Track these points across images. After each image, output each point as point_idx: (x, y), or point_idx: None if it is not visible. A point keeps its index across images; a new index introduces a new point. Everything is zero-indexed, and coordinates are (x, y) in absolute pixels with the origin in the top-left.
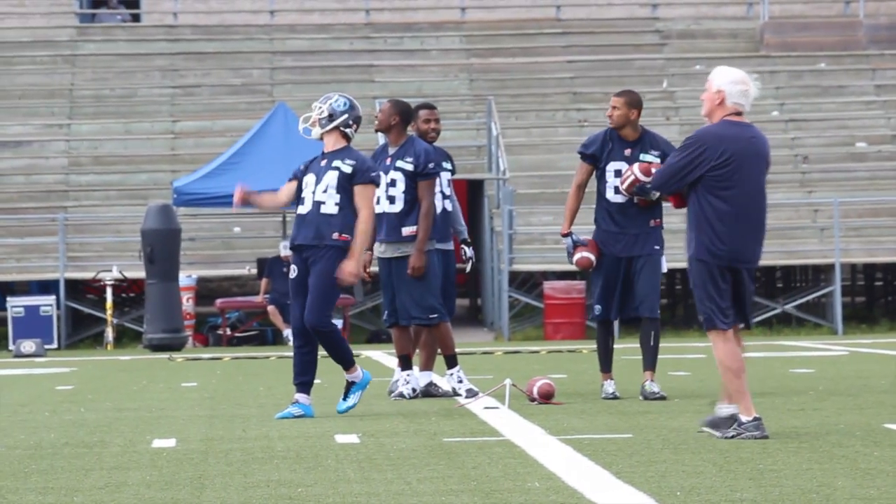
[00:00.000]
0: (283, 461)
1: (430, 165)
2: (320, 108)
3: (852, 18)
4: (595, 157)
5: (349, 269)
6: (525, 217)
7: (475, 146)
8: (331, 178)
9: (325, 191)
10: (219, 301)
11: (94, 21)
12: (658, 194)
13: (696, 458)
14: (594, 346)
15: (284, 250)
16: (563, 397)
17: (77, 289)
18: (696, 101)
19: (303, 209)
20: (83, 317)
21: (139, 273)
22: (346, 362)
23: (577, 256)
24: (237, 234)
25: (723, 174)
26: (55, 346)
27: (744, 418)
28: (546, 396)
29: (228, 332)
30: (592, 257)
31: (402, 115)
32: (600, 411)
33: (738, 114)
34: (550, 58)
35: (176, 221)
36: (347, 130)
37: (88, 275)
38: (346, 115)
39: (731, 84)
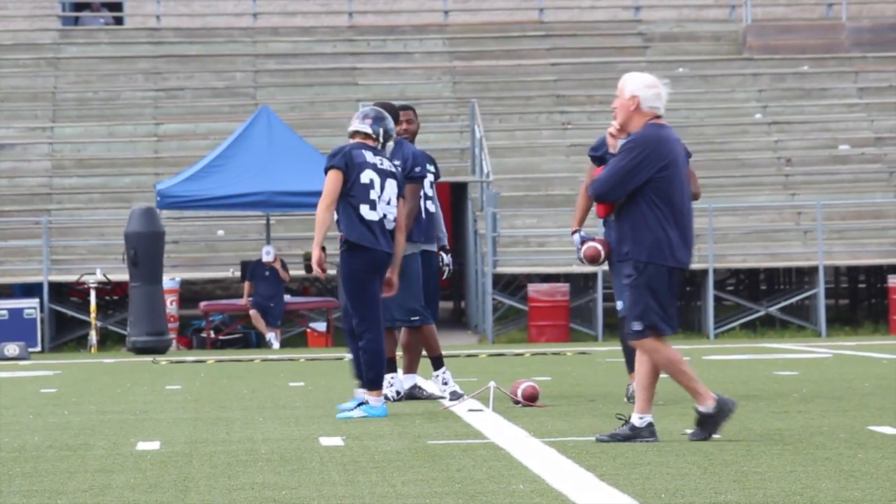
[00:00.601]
0: (267, 464)
1: (417, 169)
2: (376, 130)
3: (835, 21)
4: (603, 158)
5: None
6: (509, 220)
7: (459, 149)
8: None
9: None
10: (203, 304)
11: (77, 24)
12: None
13: (681, 460)
14: (578, 348)
15: (267, 256)
16: (547, 400)
17: (61, 292)
18: (679, 104)
19: (376, 215)
20: (67, 320)
21: (123, 276)
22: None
23: (584, 248)
24: (221, 237)
25: (666, 176)
26: (39, 349)
27: (637, 422)
28: (530, 399)
29: (212, 334)
30: (600, 247)
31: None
32: (584, 413)
33: (658, 117)
34: (533, 60)
35: (159, 224)
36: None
37: (72, 278)
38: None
39: (644, 89)
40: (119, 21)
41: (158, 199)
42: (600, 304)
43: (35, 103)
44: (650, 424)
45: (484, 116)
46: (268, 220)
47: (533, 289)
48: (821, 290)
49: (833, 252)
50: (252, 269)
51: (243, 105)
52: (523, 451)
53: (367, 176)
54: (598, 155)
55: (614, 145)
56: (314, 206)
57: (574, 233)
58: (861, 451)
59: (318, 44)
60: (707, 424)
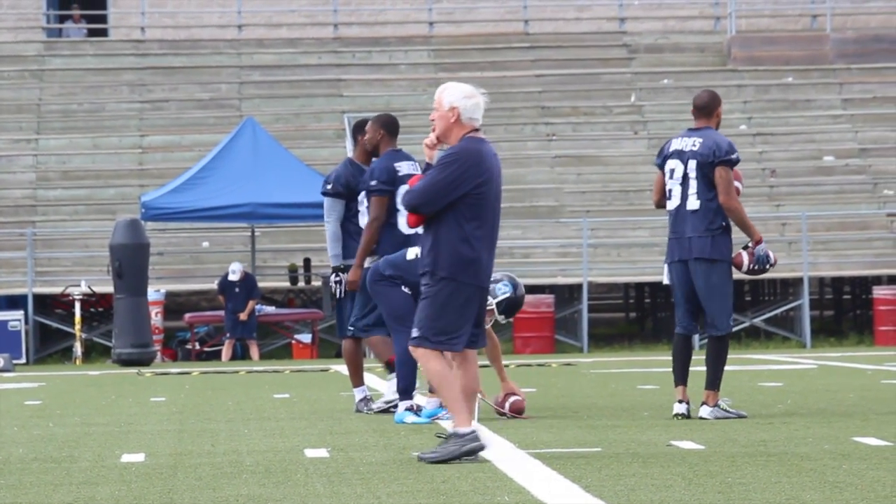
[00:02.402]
0: (252, 475)
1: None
2: None
3: (819, 33)
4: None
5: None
6: None
7: None
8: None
9: None
10: (187, 315)
11: (61, 36)
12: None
13: (665, 471)
14: (562, 359)
15: (233, 274)
16: (532, 411)
17: (45, 303)
18: (665, 115)
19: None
20: (51, 331)
21: (108, 288)
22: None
23: (773, 254)
24: (206, 249)
25: (482, 193)
26: (23, 360)
27: (462, 430)
28: (517, 412)
29: (197, 346)
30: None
31: (385, 127)
32: (569, 425)
33: (476, 130)
34: (519, 72)
35: (144, 236)
36: None
37: (57, 289)
38: None
39: (464, 99)
40: (104, 33)
41: (143, 210)
42: (585, 316)
43: (20, 115)
44: (473, 432)
45: None
46: (252, 231)
47: None
48: (805, 301)
49: (818, 263)
50: (222, 283)
51: (228, 117)
52: (508, 463)
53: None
54: (735, 158)
55: (431, 157)
56: (299, 217)
57: (759, 242)
58: (846, 463)
59: (303, 55)
60: (450, 444)
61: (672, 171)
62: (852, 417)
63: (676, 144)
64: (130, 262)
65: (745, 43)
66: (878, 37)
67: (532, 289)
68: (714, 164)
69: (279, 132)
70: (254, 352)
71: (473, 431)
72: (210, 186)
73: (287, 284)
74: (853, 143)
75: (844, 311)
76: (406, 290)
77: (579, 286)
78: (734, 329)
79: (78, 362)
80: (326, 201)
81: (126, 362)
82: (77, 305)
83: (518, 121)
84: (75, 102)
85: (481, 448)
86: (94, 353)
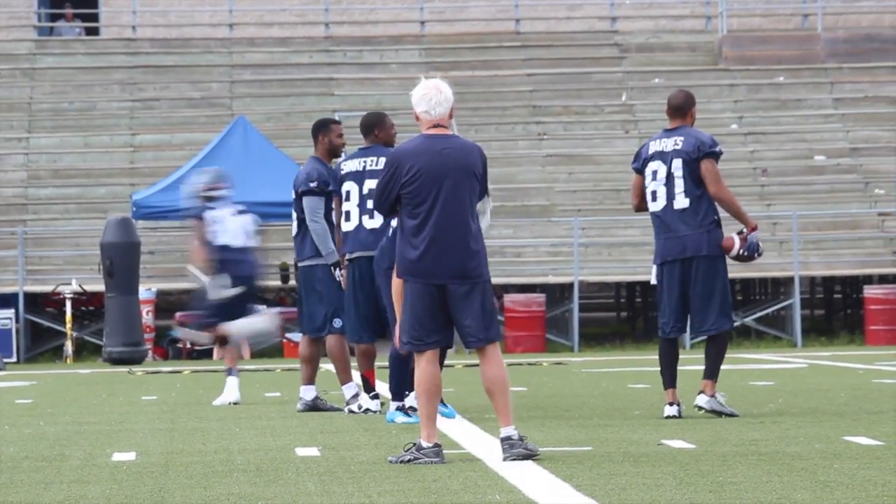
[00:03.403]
0: (243, 474)
1: (312, 184)
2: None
3: (811, 32)
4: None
5: None
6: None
7: None
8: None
9: None
10: (178, 314)
11: (52, 34)
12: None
13: (657, 470)
14: (553, 358)
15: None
16: (523, 410)
17: (36, 302)
18: (656, 115)
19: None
20: (42, 330)
21: (99, 286)
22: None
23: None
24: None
25: (412, 190)
26: (14, 359)
27: (425, 444)
28: None
29: (188, 345)
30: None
31: (360, 127)
32: (560, 424)
33: (437, 125)
34: (510, 71)
35: (135, 235)
36: None
37: (48, 288)
38: None
39: (418, 100)
40: (95, 31)
41: (134, 209)
42: (576, 315)
43: (10, 114)
44: (436, 445)
45: (460, 127)
46: None
47: (509, 299)
48: (796, 300)
49: (809, 263)
50: None
51: (219, 115)
52: (499, 462)
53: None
54: (719, 150)
55: None
56: (290, 216)
57: (753, 229)
58: (837, 462)
59: (294, 54)
60: (408, 453)
61: (655, 172)
62: (843, 417)
63: (655, 146)
64: (121, 260)
65: (737, 42)
66: (869, 36)
67: (523, 288)
68: (699, 160)
69: (270, 131)
70: (245, 351)
71: (435, 446)
72: None
73: (278, 283)
74: (844, 143)
75: (835, 311)
76: None
77: (570, 285)
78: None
79: (69, 361)
80: (311, 200)
81: (117, 361)
82: (68, 304)
83: (509, 120)
84: (66, 101)
85: (438, 463)
86: (85, 351)
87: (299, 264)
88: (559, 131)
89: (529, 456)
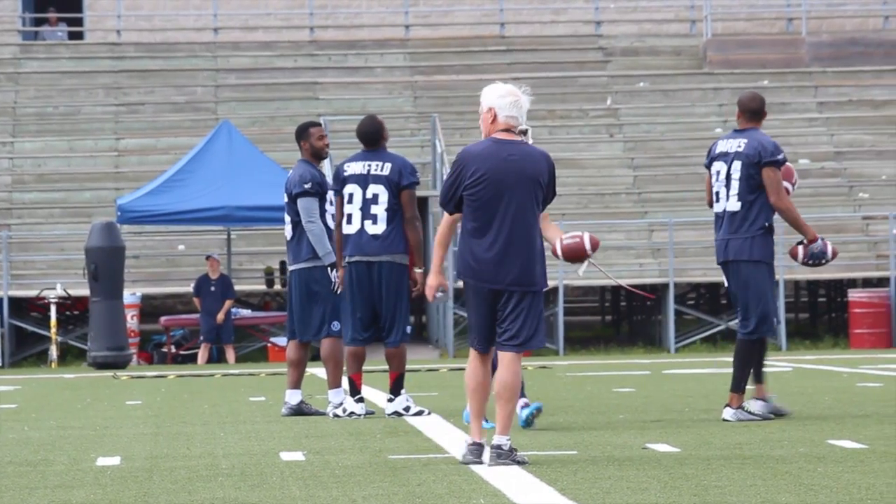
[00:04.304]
0: (227, 479)
1: (307, 185)
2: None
3: (795, 36)
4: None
5: None
6: None
7: (420, 163)
8: None
9: None
10: (163, 319)
11: (37, 39)
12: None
13: (641, 474)
14: (539, 362)
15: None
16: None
17: (21, 307)
18: (641, 118)
19: None
20: (27, 335)
21: (83, 291)
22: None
23: (830, 248)
24: (181, 252)
25: (474, 193)
26: None
27: (467, 441)
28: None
29: (173, 349)
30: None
31: (358, 137)
32: (545, 428)
33: (508, 129)
34: (494, 75)
35: (120, 239)
36: None
37: (32, 293)
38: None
39: (499, 98)
40: (80, 36)
41: (119, 213)
42: (561, 319)
43: None
44: (475, 444)
45: (445, 131)
46: (228, 234)
47: None
48: (781, 303)
49: (793, 266)
50: (199, 283)
51: (204, 120)
52: (484, 466)
53: None
54: (781, 158)
55: None
56: (275, 220)
57: (813, 241)
58: (821, 465)
59: (279, 58)
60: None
61: (718, 172)
62: (827, 420)
63: (722, 146)
64: (106, 265)
65: (721, 46)
66: (853, 40)
67: None
68: (760, 166)
69: (255, 135)
70: (230, 355)
71: (474, 444)
72: (186, 189)
73: (263, 287)
74: (829, 147)
75: (820, 314)
76: None
77: (555, 289)
78: (710, 332)
79: (53, 365)
80: (306, 201)
81: (102, 365)
82: (52, 308)
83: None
84: (51, 105)
85: (469, 462)
86: (69, 356)
87: (296, 267)
88: (544, 135)
89: (514, 465)
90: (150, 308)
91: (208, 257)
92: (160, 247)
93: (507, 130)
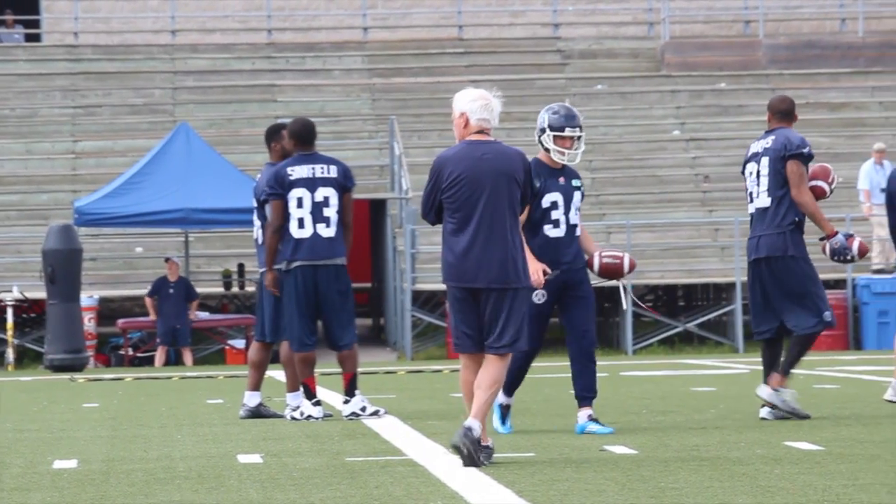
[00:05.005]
0: (185, 481)
1: (266, 189)
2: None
3: (752, 38)
4: (812, 156)
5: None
6: (428, 236)
7: (378, 165)
8: (577, 198)
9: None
10: (121, 321)
11: None
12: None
13: (598, 476)
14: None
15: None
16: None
17: None
18: (598, 121)
19: (558, 232)
20: None
21: (40, 293)
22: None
23: (856, 244)
24: (139, 254)
25: (452, 194)
26: None
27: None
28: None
29: (130, 352)
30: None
31: (293, 136)
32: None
33: (482, 132)
34: (453, 77)
35: (77, 241)
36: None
37: None
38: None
39: (470, 103)
40: (36, 38)
41: (76, 216)
42: None
43: None
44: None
45: (403, 133)
46: (186, 237)
47: None
48: (738, 306)
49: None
50: (156, 287)
51: (162, 122)
52: (442, 468)
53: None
54: (807, 153)
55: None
56: (233, 222)
57: (832, 235)
58: (778, 467)
59: (236, 60)
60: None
61: (751, 173)
62: (784, 422)
63: (753, 147)
64: (63, 267)
65: (679, 49)
66: (810, 42)
67: None
68: (785, 159)
69: (213, 137)
70: (187, 357)
71: (485, 445)
72: (143, 192)
73: (221, 290)
74: None
75: None
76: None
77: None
78: (668, 334)
79: (10, 368)
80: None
81: (58, 368)
82: (9, 311)
83: (452, 126)
84: (8, 108)
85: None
86: (26, 358)
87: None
88: (501, 137)
89: (474, 453)
90: (108, 311)
91: (167, 259)
92: (118, 249)
93: (480, 132)
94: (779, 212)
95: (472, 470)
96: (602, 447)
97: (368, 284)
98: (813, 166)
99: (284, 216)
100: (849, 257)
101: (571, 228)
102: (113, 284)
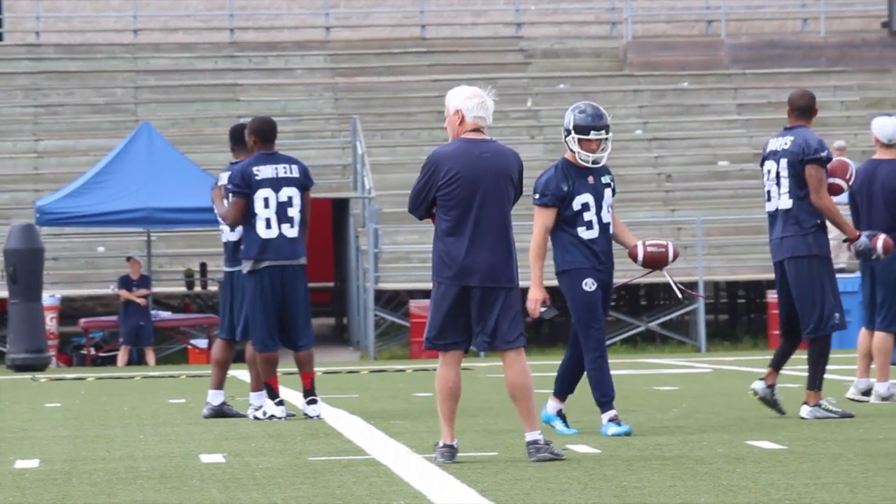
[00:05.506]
0: (147, 481)
1: (229, 185)
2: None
3: (714, 38)
4: (829, 159)
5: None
6: (391, 235)
7: (340, 165)
8: (608, 196)
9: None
10: (83, 321)
11: None
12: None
13: (561, 475)
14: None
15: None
16: (428, 416)
17: None
18: (561, 120)
19: (591, 233)
20: None
21: (2, 293)
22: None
23: (880, 243)
24: (101, 254)
25: (449, 192)
26: None
27: (440, 443)
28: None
29: (93, 351)
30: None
31: (255, 133)
32: (466, 429)
33: (477, 129)
34: (415, 77)
35: (39, 241)
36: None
37: None
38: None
39: (466, 100)
40: None
41: (38, 215)
42: None
43: None
44: (447, 446)
45: (366, 132)
46: (149, 236)
47: (415, 305)
48: (701, 305)
49: (713, 267)
50: (121, 284)
51: (124, 121)
52: (405, 468)
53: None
54: (825, 156)
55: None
56: (195, 222)
57: (854, 239)
58: (740, 466)
59: (199, 60)
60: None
61: (769, 171)
62: (746, 421)
63: (772, 144)
64: (25, 266)
65: (641, 48)
66: (772, 42)
67: (429, 293)
68: (804, 163)
69: (175, 137)
70: (150, 357)
71: (445, 447)
72: (106, 191)
73: (183, 289)
74: (748, 148)
75: (739, 315)
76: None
77: None
78: (630, 333)
79: None
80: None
81: (20, 368)
82: None
83: (414, 125)
84: None
85: (444, 463)
86: None
87: (230, 269)
88: None
89: (554, 459)
90: (70, 310)
91: (129, 258)
92: (80, 249)
93: (476, 130)
94: (801, 214)
95: (435, 469)
96: (565, 446)
97: (331, 284)
98: (832, 162)
99: (246, 216)
100: (873, 257)
101: (605, 228)
102: (75, 284)
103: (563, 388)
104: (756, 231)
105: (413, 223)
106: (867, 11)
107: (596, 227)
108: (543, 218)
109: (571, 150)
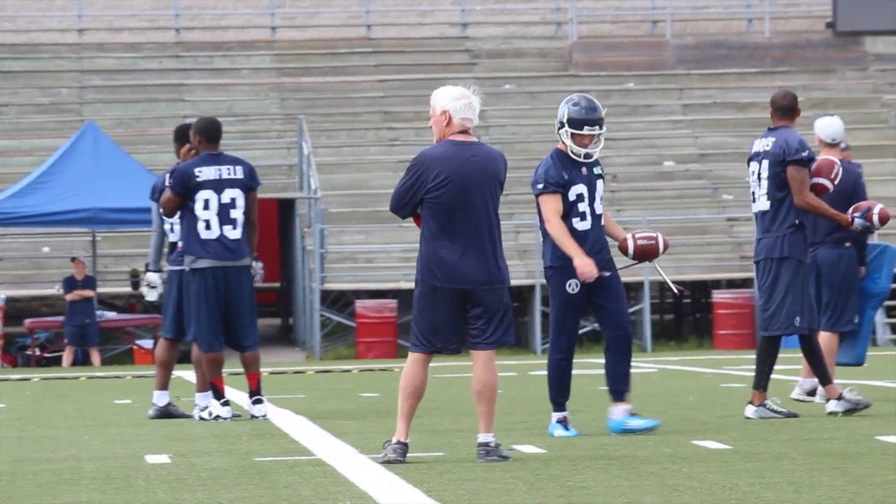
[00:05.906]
0: (92, 482)
1: (168, 182)
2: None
3: (660, 39)
4: (813, 159)
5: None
6: (337, 236)
7: (286, 165)
8: (600, 187)
9: (601, 201)
10: (28, 321)
11: None
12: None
13: (507, 475)
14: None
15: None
16: (374, 417)
17: None
18: (507, 120)
19: (585, 224)
20: None
21: None
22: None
23: (876, 217)
24: (46, 254)
25: (439, 195)
26: None
27: (394, 439)
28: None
29: (38, 352)
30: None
31: (200, 132)
32: (413, 429)
33: (465, 131)
34: (361, 77)
35: None
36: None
37: None
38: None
39: (453, 101)
40: None
41: None
42: None
43: None
44: (399, 443)
45: (311, 132)
46: (94, 236)
47: (361, 305)
48: (646, 305)
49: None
50: (66, 285)
51: (69, 121)
52: (351, 468)
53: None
54: (806, 156)
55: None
56: (140, 222)
57: (850, 224)
58: (685, 466)
59: (144, 60)
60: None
61: (753, 172)
62: (692, 421)
63: (756, 145)
64: None
65: (587, 48)
66: (717, 42)
67: (375, 294)
68: (785, 164)
69: (120, 137)
70: (95, 357)
71: (398, 443)
72: (50, 191)
73: (128, 290)
74: (693, 149)
75: (684, 315)
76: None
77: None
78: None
79: None
80: None
81: None
82: None
83: (361, 126)
84: None
85: (392, 461)
86: None
87: (175, 268)
88: (411, 137)
89: (501, 460)
90: (15, 310)
91: (74, 259)
92: (24, 249)
93: (463, 132)
94: (778, 215)
95: (381, 469)
96: (511, 446)
97: (277, 284)
98: (818, 161)
99: (186, 213)
100: (874, 231)
101: (597, 218)
102: (20, 284)
103: (617, 387)
104: (702, 231)
105: (359, 223)
106: (811, 12)
107: (589, 217)
108: (552, 203)
109: (564, 143)
